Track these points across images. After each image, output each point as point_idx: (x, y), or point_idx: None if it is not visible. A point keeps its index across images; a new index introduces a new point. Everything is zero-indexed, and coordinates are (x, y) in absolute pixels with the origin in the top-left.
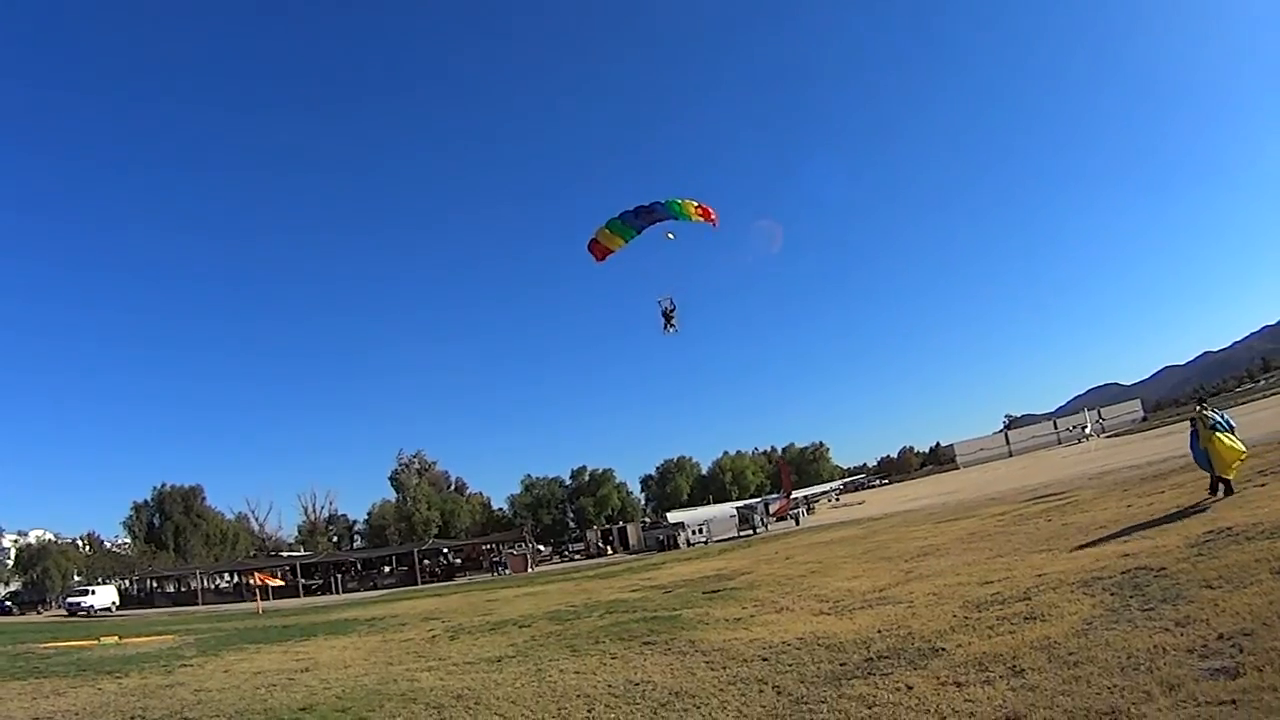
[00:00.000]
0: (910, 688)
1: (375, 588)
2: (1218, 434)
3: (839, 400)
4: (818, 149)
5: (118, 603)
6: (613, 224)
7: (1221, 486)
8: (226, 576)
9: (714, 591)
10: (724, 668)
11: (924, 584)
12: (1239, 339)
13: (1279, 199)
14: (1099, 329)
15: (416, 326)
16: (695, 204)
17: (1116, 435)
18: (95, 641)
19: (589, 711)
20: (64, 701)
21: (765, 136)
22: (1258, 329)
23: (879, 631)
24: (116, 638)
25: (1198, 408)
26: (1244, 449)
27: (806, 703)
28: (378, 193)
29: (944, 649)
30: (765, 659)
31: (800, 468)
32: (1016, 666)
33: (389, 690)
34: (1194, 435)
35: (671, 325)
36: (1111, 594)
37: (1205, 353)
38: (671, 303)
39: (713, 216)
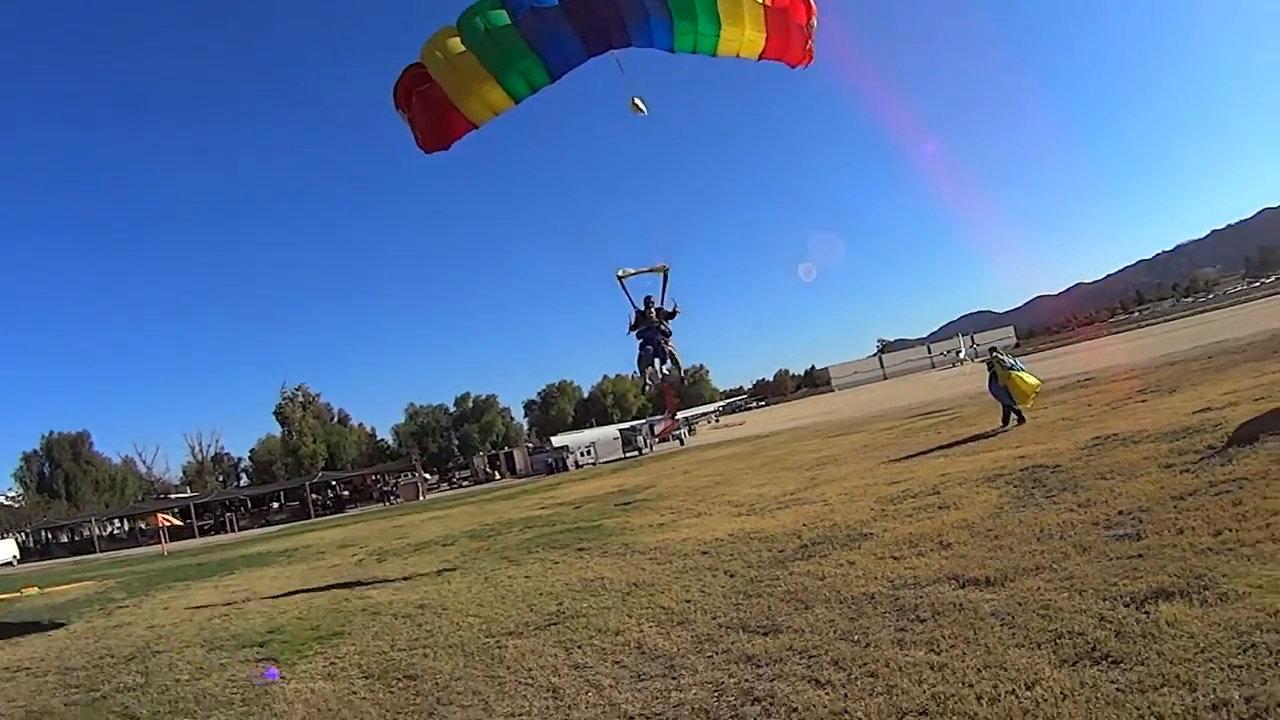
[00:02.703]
0: (852, 563)
1: (268, 524)
2: (1015, 372)
3: (717, 324)
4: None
5: (18, 556)
6: (480, 39)
7: (1014, 416)
8: (119, 522)
9: (626, 504)
10: (668, 562)
11: (832, 487)
12: (1112, 272)
13: (1155, 138)
14: (972, 257)
15: (290, 255)
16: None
17: None
18: (18, 594)
19: (559, 605)
20: (24, 651)
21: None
22: (1132, 262)
23: (804, 525)
24: (37, 589)
25: (991, 354)
26: (1038, 382)
27: (761, 581)
28: (235, 118)
29: (872, 534)
30: (705, 553)
31: (680, 390)
32: (943, 542)
33: (347, 608)
34: (992, 376)
35: (669, 363)
36: (1015, 486)
37: (1078, 283)
38: (671, 301)
39: (810, 42)
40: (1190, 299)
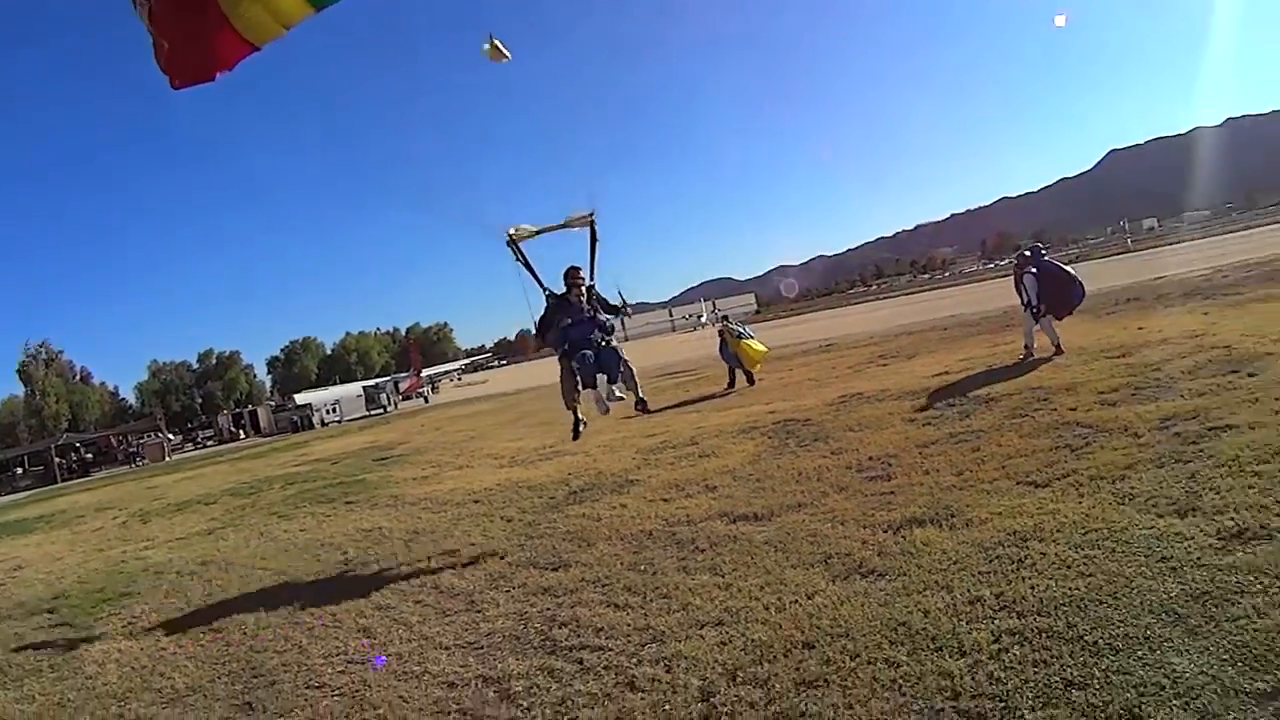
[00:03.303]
0: (624, 506)
1: (14, 490)
2: (744, 340)
3: (459, 280)
4: None
5: None
6: None
7: (743, 376)
8: None
9: (384, 459)
10: (442, 511)
11: (589, 440)
12: (853, 246)
13: (901, 124)
14: (716, 226)
15: (25, 205)
16: None
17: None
18: None
19: (344, 555)
20: None
21: None
22: (873, 239)
23: (570, 474)
24: None
25: (723, 323)
26: (765, 349)
27: (539, 524)
28: None
29: (638, 480)
30: (476, 501)
31: (425, 348)
32: (709, 485)
33: (128, 570)
34: (723, 343)
35: (624, 378)
36: (769, 437)
37: (819, 256)
38: (619, 295)
39: None
40: (927, 276)
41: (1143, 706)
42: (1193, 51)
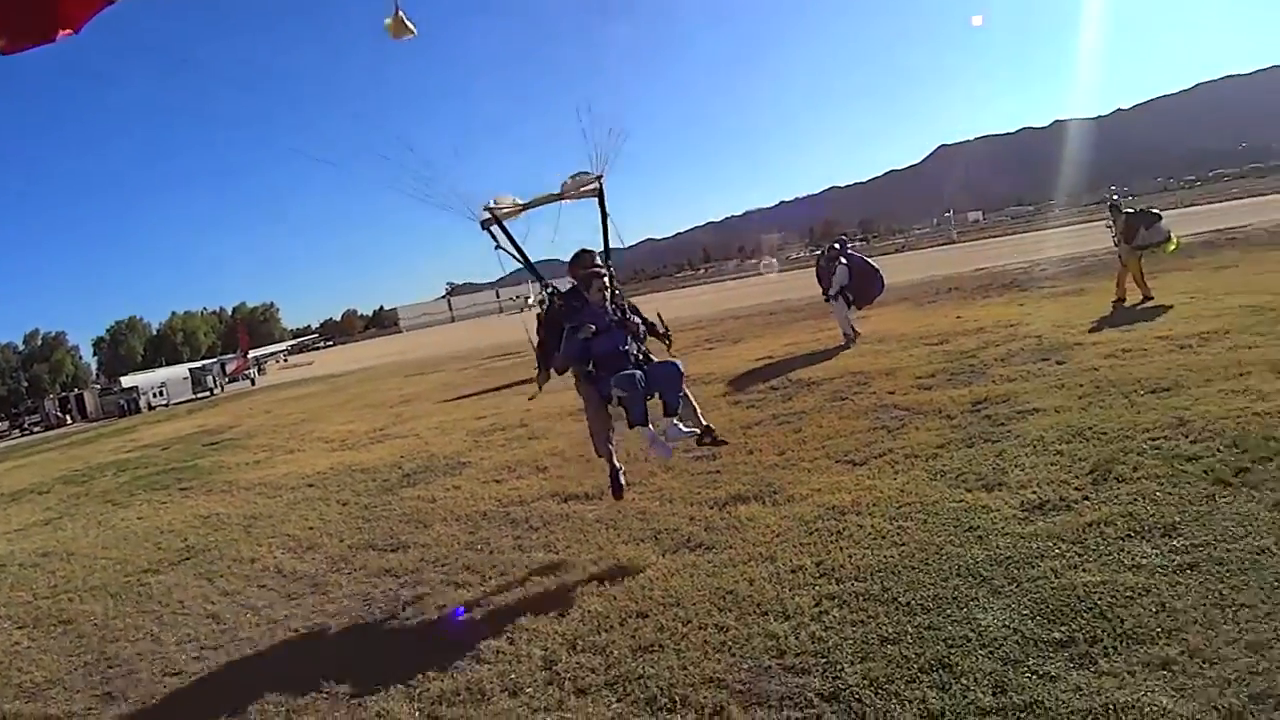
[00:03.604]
0: (458, 487)
1: None
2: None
3: (286, 260)
4: None
5: None
6: None
7: None
8: None
9: (214, 443)
10: (277, 496)
11: (420, 422)
12: (682, 231)
13: (735, 114)
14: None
15: None
16: None
17: None
18: None
19: (185, 541)
20: None
21: None
22: (702, 224)
23: (403, 457)
24: None
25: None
26: None
27: (375, 507)
28: None
29: (470, 462)
30: (311, 485)
31: (252, 328)
32: (539, 466)
33: None
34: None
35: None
36: None
37: (647, 239)
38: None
39: None
40: (755, 260)
41: (951, 657)
42: (1025, 53)
